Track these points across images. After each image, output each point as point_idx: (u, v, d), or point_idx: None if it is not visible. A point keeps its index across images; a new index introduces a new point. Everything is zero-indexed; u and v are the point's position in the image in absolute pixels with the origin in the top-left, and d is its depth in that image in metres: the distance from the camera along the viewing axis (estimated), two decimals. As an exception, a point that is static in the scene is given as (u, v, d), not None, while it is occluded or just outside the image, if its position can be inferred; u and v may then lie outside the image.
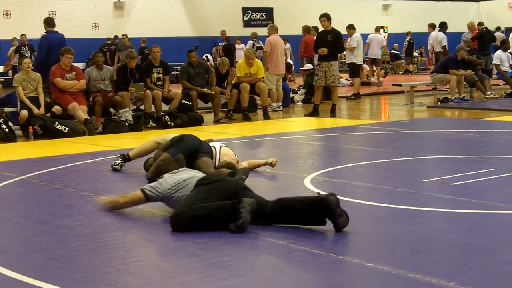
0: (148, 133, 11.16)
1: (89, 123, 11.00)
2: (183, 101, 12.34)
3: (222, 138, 9.38)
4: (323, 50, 12.84)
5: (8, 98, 11.87)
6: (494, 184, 6.33)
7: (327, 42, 12.95)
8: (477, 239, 4.50)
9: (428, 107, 14.71)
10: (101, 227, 5.08)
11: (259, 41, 22.73)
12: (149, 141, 7.33)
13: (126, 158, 7.32)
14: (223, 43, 24.88)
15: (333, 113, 13.04)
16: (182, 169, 5.49)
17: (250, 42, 23.07)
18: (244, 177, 6.22)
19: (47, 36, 12.44)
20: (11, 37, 23.64)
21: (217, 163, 6.76)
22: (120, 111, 11.60)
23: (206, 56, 25.32)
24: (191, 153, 6.60)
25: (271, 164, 7.15)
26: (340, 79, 17.66)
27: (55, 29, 12.59)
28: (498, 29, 26.35)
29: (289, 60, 20.67)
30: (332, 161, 8.06)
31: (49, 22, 12.55)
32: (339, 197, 5.86)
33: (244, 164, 7.08)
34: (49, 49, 12.13)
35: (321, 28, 13.73)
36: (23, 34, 22.96)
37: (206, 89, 12.76)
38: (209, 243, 4.54)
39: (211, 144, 7.00)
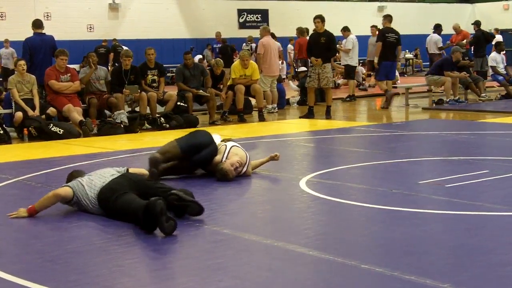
0: (143, 135, 11.16)
1: (84, 125, 10.99)
2: (178, 103, 12.33)
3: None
4: (317, 62, 12.83)
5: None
6: (489, 185, 6.34)
7: (320, 44, 12.95)
8: (472, 240, 4.51)
9: (423, 108, 14.74)
10: (96, 229, 5.08)
11: (249, 44, 23.13)
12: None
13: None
14: (219, 45, 24.88)
15: (328, 115, 13.05)
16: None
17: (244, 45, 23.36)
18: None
19: (29, 38, 12.39)
20: (7, 39, 23.52)
21: (223, 160, 6.75)
22: (115, 112, 11.59)
23: (203, 56, 25.40)
24: (196, 148, 6.81)
25: (275, 158, 7.13)
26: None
27: (48, 30, 12.55)
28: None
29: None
30: (328, 162, 8.06)
31: (35, 24, 12.52)
32: (335, 199, 5.88)
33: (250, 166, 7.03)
34: (31, 51, 12.11)
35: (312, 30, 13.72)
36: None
37: (201, 91, 12.77)
38: (204, 246, 4.54)
39: (223, 142, 7.01)
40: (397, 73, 22.03)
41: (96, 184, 5.42)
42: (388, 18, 15.24)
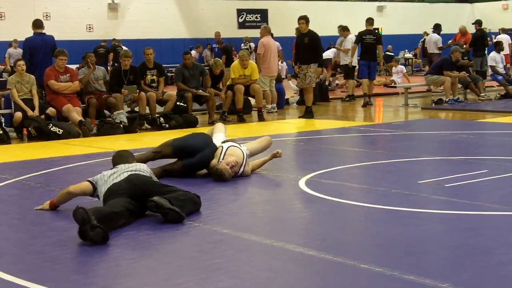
0: (142, 135, 11.16)
1: (84, 125, 10.99)
2: (177, 103, 12.33)
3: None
4: (296, 68, 13.32)
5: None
6: (488, 185, 6.34)
7: (304, 45, 13.04)
8: (472, 240, 4.51)
9: (423, 108, 14.75)
10: (96, 229, 5.07)
11: (247, 43, 23.25)
12: None
13: None
14: (218, 45, 24.86)
15: (308, 115, 12.94)
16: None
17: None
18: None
19: (29, 38, 12.38)
20: (6, 39, 23.51)
21: (220, 160, 6.72)
22: (114, 113, 11.59)
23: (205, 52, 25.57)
24: (188, 151, 6.78)
25: (277, 155, 7.07)
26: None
27: (48, 30, 12.54)
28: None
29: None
30: (327, 162, 8.05)
31: (35, 24, 12.51)
32: (334, 198, 5.87)
33: (248, 166, 6.98)
34: (31, 51, 12.10)
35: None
36: None
37: (201, 91, 12.76)
38: (204, 246, 4.54)
39: (219, 144, 6.97)
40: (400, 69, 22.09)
41: (110, 183, 5.34)
42: (369, 21, 15.95)
